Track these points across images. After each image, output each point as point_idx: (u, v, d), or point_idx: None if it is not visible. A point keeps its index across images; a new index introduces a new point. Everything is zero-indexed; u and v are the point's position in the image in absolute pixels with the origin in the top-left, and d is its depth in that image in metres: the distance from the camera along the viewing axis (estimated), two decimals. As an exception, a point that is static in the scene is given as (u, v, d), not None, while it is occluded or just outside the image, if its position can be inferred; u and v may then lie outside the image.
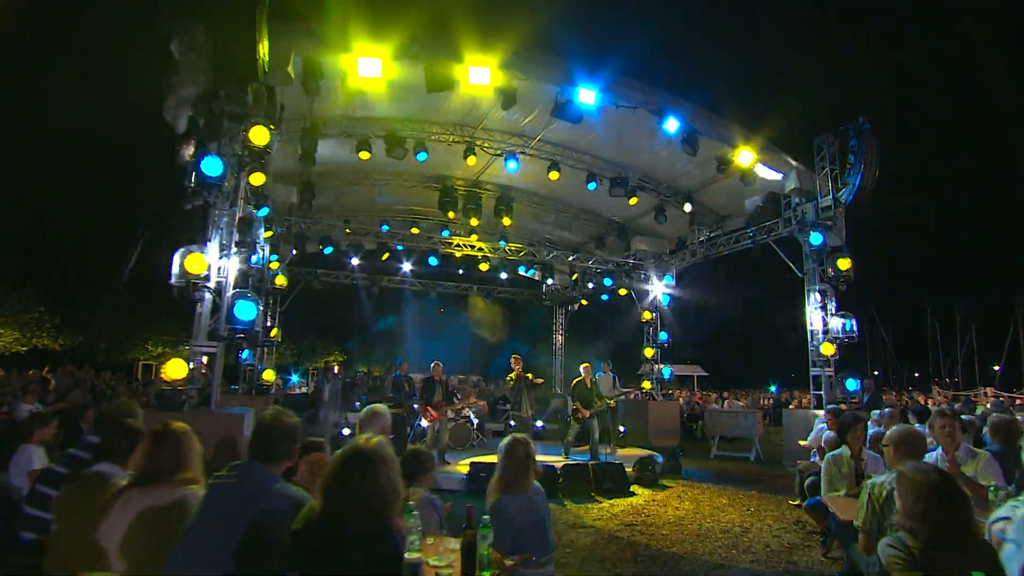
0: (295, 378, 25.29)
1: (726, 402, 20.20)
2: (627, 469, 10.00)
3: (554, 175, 13.73)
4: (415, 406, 11.67)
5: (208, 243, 7.16)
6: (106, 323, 23.05)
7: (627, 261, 16.87)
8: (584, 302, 20.32)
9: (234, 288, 7.56)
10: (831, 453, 5.16)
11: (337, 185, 15.51)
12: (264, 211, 10.81)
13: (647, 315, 16.41)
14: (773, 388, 45.68)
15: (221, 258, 7.44)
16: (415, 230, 15.90)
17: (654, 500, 8.98)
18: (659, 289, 16.53)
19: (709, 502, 8.92)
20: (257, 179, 9.25)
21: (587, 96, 10.61)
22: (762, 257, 13.62)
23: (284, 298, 18.72)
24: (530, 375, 11.02)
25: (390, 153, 12.12)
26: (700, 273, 16.30)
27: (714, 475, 11.34)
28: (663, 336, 16.31)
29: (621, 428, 14.07)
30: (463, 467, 9.84)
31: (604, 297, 19.14)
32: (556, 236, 17.74)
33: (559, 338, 22.06)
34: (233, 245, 7.39)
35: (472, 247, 15.47)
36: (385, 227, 15.54)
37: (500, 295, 21.57)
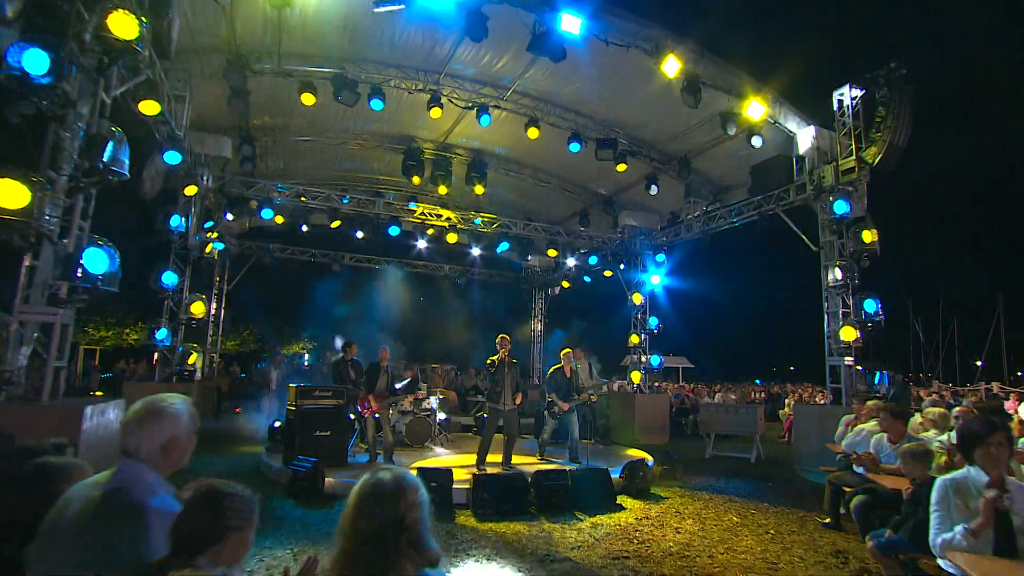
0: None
1: (717, 395, 18.43)
2: (613, 476, 8.07)
3: (533, 133, 11.76)
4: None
5: (40, 170, 5.03)
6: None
7: (614, 238, 14.94)
8: (565, 284, 18.37)
9: (80, 233, 5.45)
10: (949, 477, 3.23)
11: (285, 145, 13.38)
12: (175, 158, 8.68)
13: (636, 298, 14.48)
14: (756, 381, 44.06)
15: (71, 194, 5.32)
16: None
17: (648, 518, 7.06)
18: (649, 270, 14.62)
19: (716, 520, 7.03)
20: (150, 108, 7.15)
21: (571, 24, 8.61)
22: (768, 232, 11.73)
23: (232, 274, 16.62)
24: (515, 360, 9.00)
25: (339, 96, 10.03)
26: (695, 252, 14.43)
27: (714, 481, 9.46)
28: (653, 322, 14.40)
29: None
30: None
31: (587, 279, 17.20)
32: (535, 209, 15.75)
33: (538, 324, 20.10)
34: (82, 176, 5.25)
35: (439, 216, 13.41)
36: (346, 200, 13.41)
37: (474, 276, 19.54)
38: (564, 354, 9.69)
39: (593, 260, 15.12)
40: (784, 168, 11.10)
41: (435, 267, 19.14)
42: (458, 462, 9.15)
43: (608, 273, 16.06)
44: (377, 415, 8.98)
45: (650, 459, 9.95)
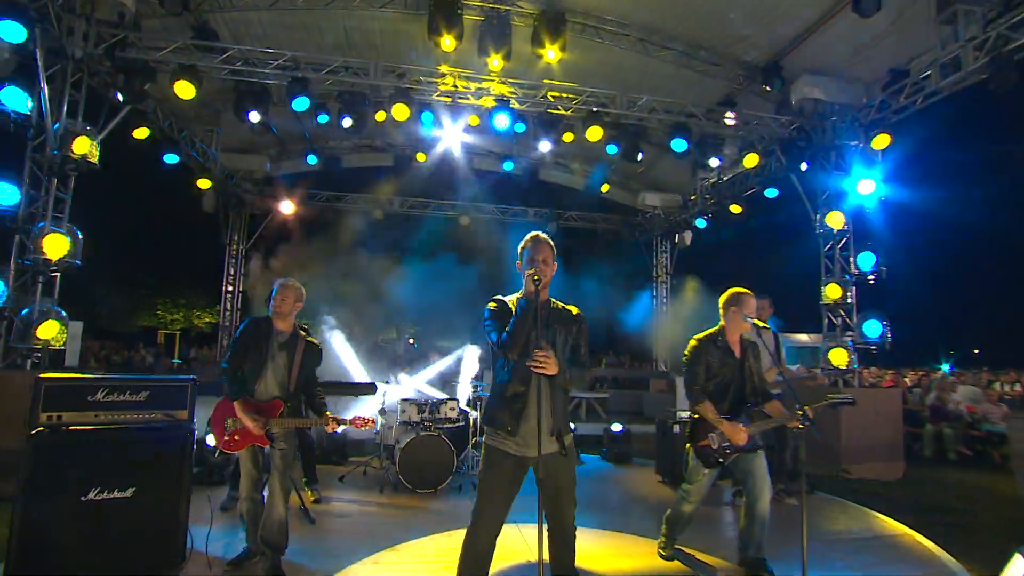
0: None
1: (961, 389, 10.82)
2: None
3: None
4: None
5: None
6: (101, 285, 17.85)
7: (785, 123, 8.30)
8: (701, 223, 11.70)
9: None
10: None
11: (234, 3, 8.23)
12: None
13: (832, 221, 7.78)
14: (945, 367, 31.55)
15: None
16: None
17: None
18: (855, 170, 7.83)
19: None
20: None
21: None
22: None
23: (252, 227, 12.21)
24: (574, 308, 2.98)
25: None
26: (943, 128, 7.52)
27: None
28: (866, 260, 7.64)
29: (803, 452, 5.70)
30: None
31: (735, 208, 10.47)
32: (646, 98, 9.31)
33: (662, 288, 13.64)
34: None
35: (486, 91, 7.73)
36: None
37: (568, 222, 13.53)
38: (727, 300, 3.66)
39: (751, 161, 8.51)
40: None
41: (516, 212, 13.41)
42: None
43: (771, 192, 9.41)
44: (265, 449, 3.52)
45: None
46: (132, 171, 12.69)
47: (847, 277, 7.82)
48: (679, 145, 7.76)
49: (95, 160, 6.29)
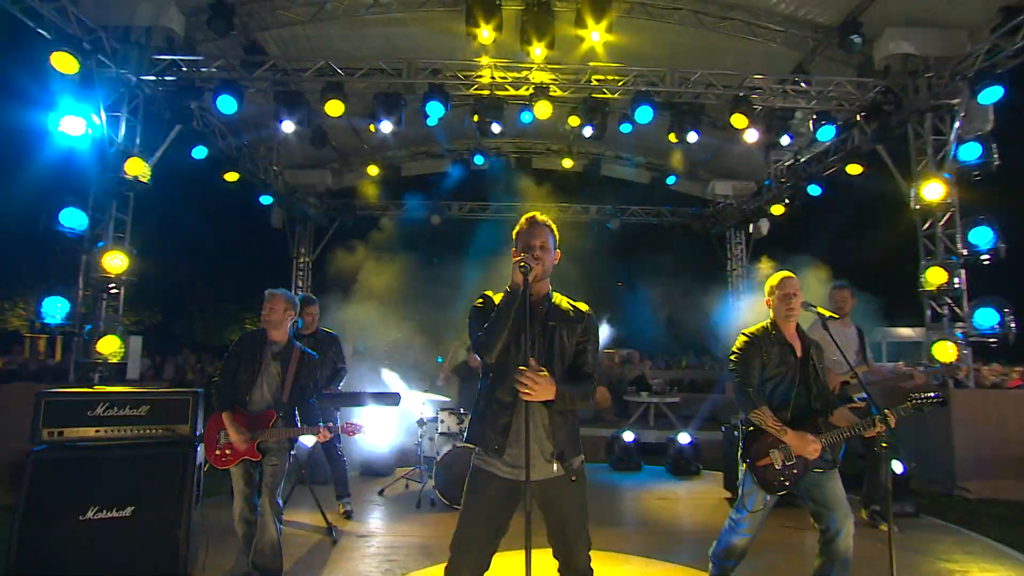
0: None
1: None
2: None
3: None
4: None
5: None
6: (188, 299, 18.89)
7: (866, 84, 7.22)
8: (778, 209, 10.48)
9: None
10: None
11: (276, 23, 8.24)
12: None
13: (927, 194, 6.64)
14: None
15: None
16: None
17: None
18: (957, 131, 6.66)
19: None
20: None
21: None
22: None
23: (317, 239, 12.44)
24: (582, 305, 2.48)
25: None
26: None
27: None
28: (981, 236, 6.45)
29: (898, 466, 4.75)
30: None
31: (814, 190, 9.30)
32: (699, 72, 8.33)
33: (738, 282, 12.49)
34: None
35: (525, 81, 7.30)
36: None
37: (632, 218, 12.73)
38: (769, 287, 2.99)
39: (827, 134, 7.45)
40: None
41: (579, 209, 12.82)
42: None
43: (854, 169, 8.26)
44: (254, 462, 3.25)
45: None
46: (206, 191, 13.35)
47: (952, 259, 6.63)
48: (739, 121, 6.90)
49: (147, 180, 6.45)
